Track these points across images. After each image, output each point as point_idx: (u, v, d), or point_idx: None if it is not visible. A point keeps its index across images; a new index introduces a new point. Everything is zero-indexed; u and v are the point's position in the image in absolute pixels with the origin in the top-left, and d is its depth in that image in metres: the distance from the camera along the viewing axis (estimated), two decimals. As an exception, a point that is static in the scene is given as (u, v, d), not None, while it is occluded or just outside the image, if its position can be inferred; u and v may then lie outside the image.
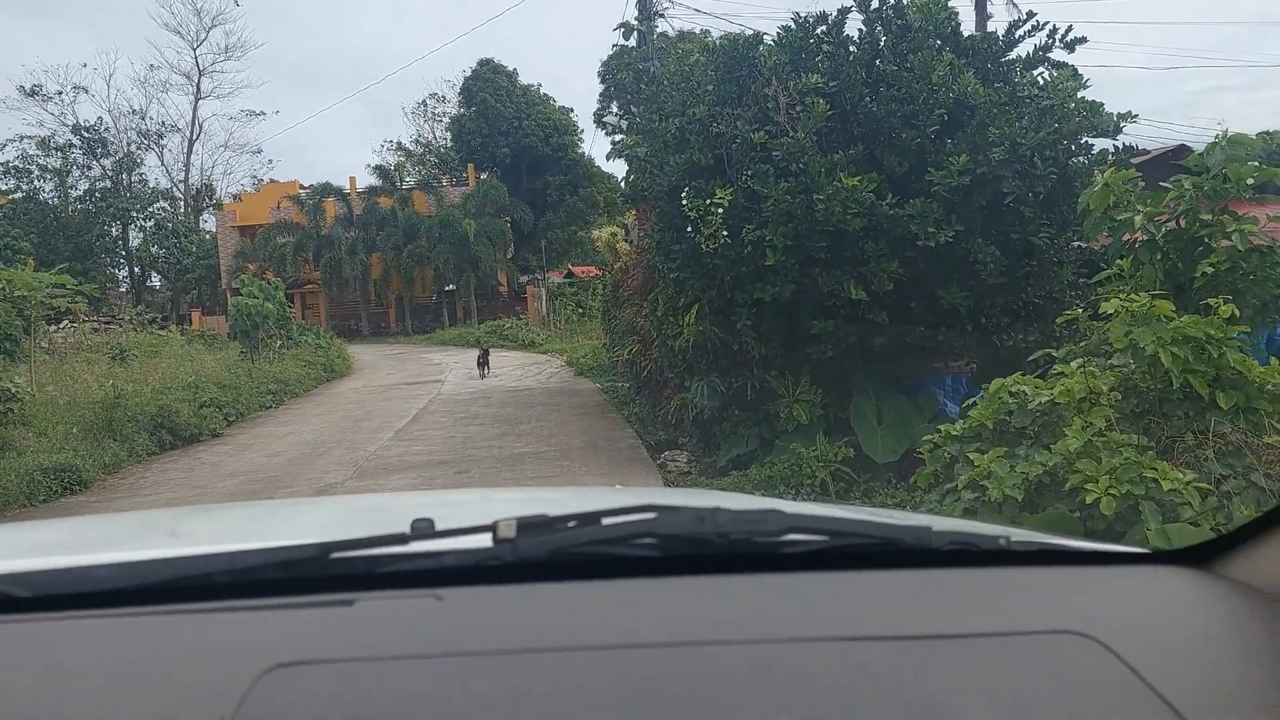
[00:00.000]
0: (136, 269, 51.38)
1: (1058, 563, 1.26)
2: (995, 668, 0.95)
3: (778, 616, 1.05)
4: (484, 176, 44.23)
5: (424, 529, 1.11)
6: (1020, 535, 1.29)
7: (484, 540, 1.08)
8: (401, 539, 1.09)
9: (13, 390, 11.66)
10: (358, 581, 1.08)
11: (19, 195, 46.58)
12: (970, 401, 4.86)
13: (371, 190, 43.77)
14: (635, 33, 12.24)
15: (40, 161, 48.49)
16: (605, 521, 1.11)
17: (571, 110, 48.22)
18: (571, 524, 1.10)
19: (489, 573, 1.09)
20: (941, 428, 4.76)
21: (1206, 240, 5.45)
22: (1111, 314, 4.48)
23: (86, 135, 49.22)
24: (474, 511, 1.77)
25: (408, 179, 50.22)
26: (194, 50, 54.16)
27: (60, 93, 49.45)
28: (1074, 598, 1.14)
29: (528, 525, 1.08)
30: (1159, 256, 5.55)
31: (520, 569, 1.08)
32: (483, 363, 21.07)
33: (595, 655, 0.96)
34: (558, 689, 0.90)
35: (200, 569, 1.08)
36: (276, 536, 1.35)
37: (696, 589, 1.10)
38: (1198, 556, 1.26)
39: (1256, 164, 5.46)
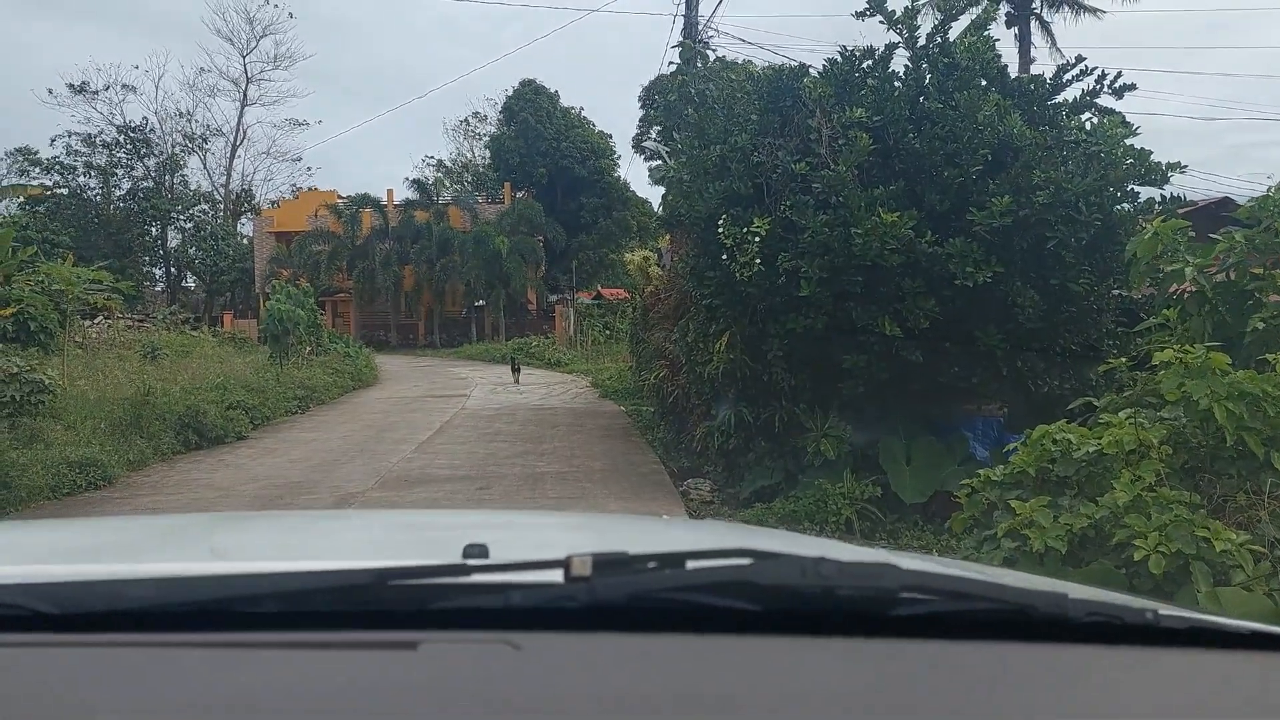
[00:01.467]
0: (173, 269, 52.05)
1: (1213, 645, 1.09)
2: None
3: (889, 692, 0.92)
4: (520, 195, 44.55)
5: (485, 557, 1.01)
6: (1170, 611, 1.11)
7: (554, 575, 0.96)
8: (463, 569, 0.99)
9: (45, 382, 11.76)
10: (418, 618, 0.96)
11: (63, 191, 47.38)
12: (1011, 446, 4.74)
13: (408, 203, 44.19)
14: (692, 54, 12.21)
15: (86, 158, 49.35)
16: (693, 565, 0.98)
17: (610, 135, 48.57)
18: (653, 565, 0.98)
19: (559, 616, 0.96)
20: (981, 472, 4.63)
21: (1256, 294, 5.33)
22: (1159, 365, 4.36)
23: (132, 135, 50.06)
24: (528, 538, 1.65)
25: (444, 195, 50.66)
26: (243, 58, 55.05)
27: (108, 88, 50.27)
28: (1243, 687, 1.01)
29: (605, 563, 0.95)
30: (1208, 309, 5.43)
31: (591, 614, 0.95)
32: (516, 369, 25.05)
33: None
34: None
35: (245, 590, 0.95)
36: (323, 555, 1.25)
37: (794, 652, 0.97)
38: None
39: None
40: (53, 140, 48.62)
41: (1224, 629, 1.12)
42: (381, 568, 0.98)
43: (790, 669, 0.95)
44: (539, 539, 1.47)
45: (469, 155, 58.53)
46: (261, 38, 59.86)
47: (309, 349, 22.34)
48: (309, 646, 0.94)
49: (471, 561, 1.01)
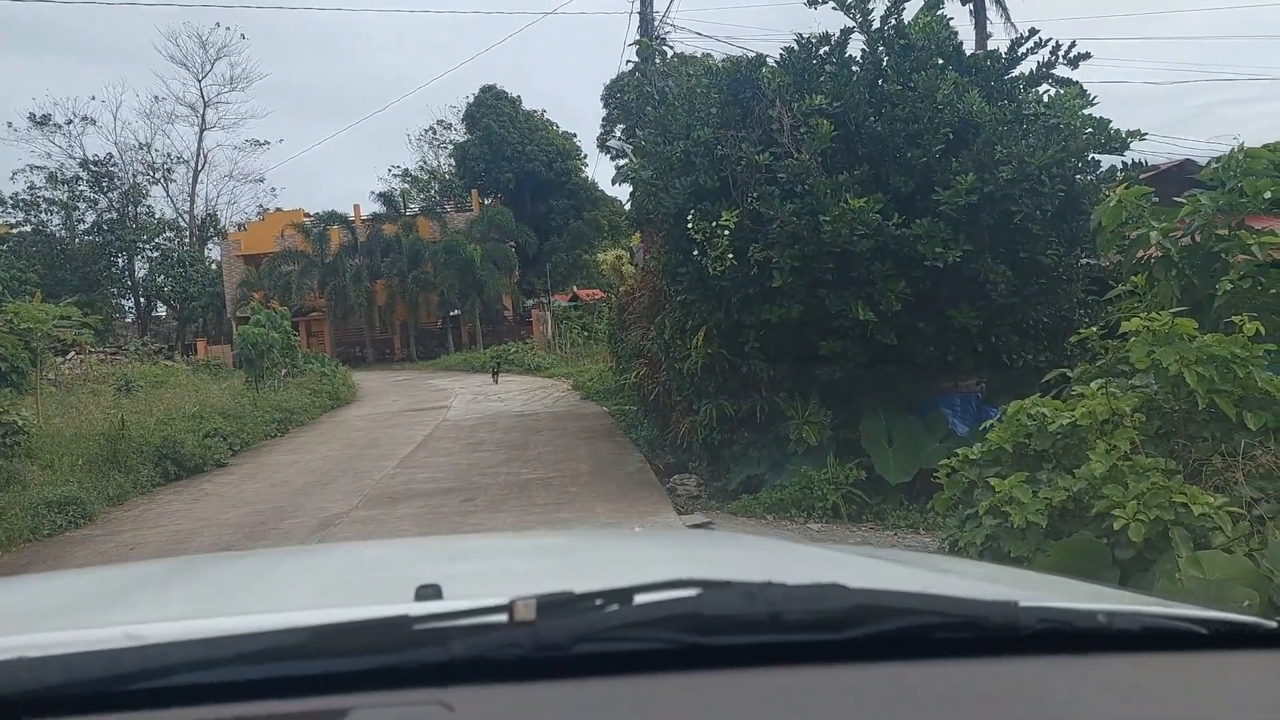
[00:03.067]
0: (142, 299, 51.54)
1: (1170, 646, 1.07)
2: None
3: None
4: (488, 201, 44.41)
5: (432, 594, 0.97)
6: (1120, 609, 1.10)
7: (499, 618, 0.93)
8: (403, 621, 0.94)
9: (19, 423, 11.60)
10: (349, 680, 0.90)
11: (26, 228, 46.83)
12: (988, 424, 4.75)
13: (376, 217, 43.91)
14: (649, 51, 12.15)
15: (47, 194, 48.80)
16: (639, 600, 0.96)
17: (575, 135, 48.47)
18: (599, 601, 0.96)
19: (502, 667, 0.93)
20: (959, 451, 4.65)
21: (1224, 256, 5.37)
22: (1129, 333, 4.39)
23: (94, 169, 49.54)
24: (484, 569, 1.59)
25: (412, 205, 50.40)
26: (199, 82, 54.49)
27: (69, 122, 49.70)
28: (1210, 693, 0.98)
29: (549, 605, 0.93)
30: (1175, 273, 5.46)
31: (538, 660, 0.93)
32: (495, 372, 26.78)
33: None
34: None
35: (158, 661, 0.88)
36: (258, 607, 1.19)
37: (745, 687, 0.95)
38: None
39: (1273, 178, 5.38)
40: (13, 175, 48.08)
41: (1177, 625, 1.10)
42: (315, 625, 0.94)
43: (740, 702, 0.93)
44: (496, 569, 1.44)
45: (435, 164, 58.27)
46: (216, 60, 59.39)
47: (285, 371, 22.15)
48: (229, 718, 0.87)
49: (413, 612, 0.97)
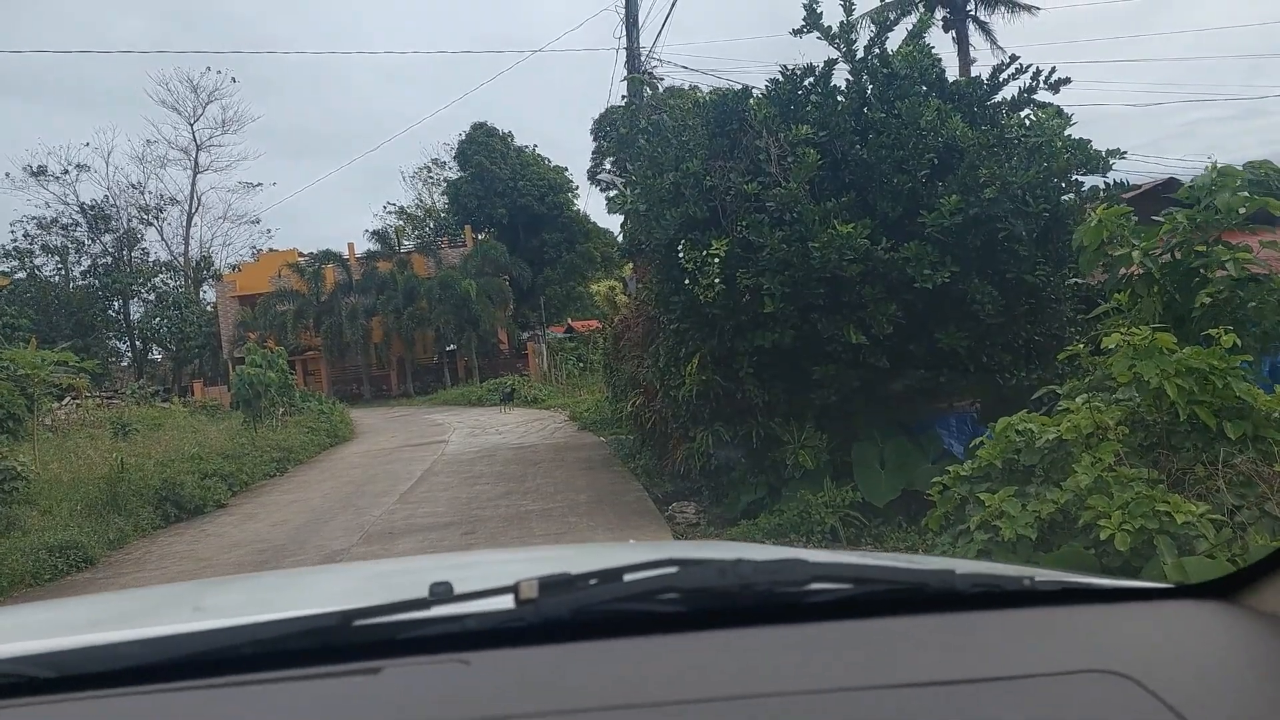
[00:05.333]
0: (138, 342, 51.60)
1: (1083, 601, 1.26)
2: (1034, 710, 0.95)
3: (807, 667, 1.04)
4: (482, 236, 44.67)
5: (443, 593, 1.11)
6: (1044, 575, 1.28)
7: (506, 602, 1.08)
8: (423, 604, 1.09)
9: (17, 469, 11.64)
10: (382, 648, 1.08)
11: (20, 275, 46.98)
12: (977, 441, 4.84)
13: (370, 255, 44.15)
14: (639, 86, 12.37)
15: (42, 240, 49.03)
16: (627, 578, 1.10)
17: (566, 169, 48.90)
18: (593, 581, 1.10)
19: (513, 635, 1.08)
20: (950, 469, 4.73)
21: (1202, 271, 5.49)
22: (1113, 348, 4.49)
23: (90, 213, 49.82)
24: (492, 573, 1.76)
25: (407, 242, 50.66)
26: (191, 125, 54.95)
27: (66, 172, 50.08)
28: (1104, 636, 1.14)
29: (549, 585, 1.08)
30: (1156, 289, 5.58)
31: (544, 629, 1.08)
32: (503, 401, 28.48)
33: (624, 715, 0.95)
34: None
35: (225, 642, 1.07)
36: (297, 606, 1.34)
37: (723, 643, 1.10)
38: (1221, 589, 1.27)
39: (1247, 194, 5.52)
40: (12, 225, 48.35)
41: (1093, 588, 1.30)
42: (347, 610, 1.08)
43: (716, 656, 1.07)
44: (504, 572, 1.58)
45: (430, 201, 58.63)
46: (208, 104, 59.85)
47: (282, 410, 22.20)
48: (285, 681, 1.05)
49: (428, 597, 1.11)
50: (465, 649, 1.07)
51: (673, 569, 1.12)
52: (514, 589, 1.07)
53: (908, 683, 0.99)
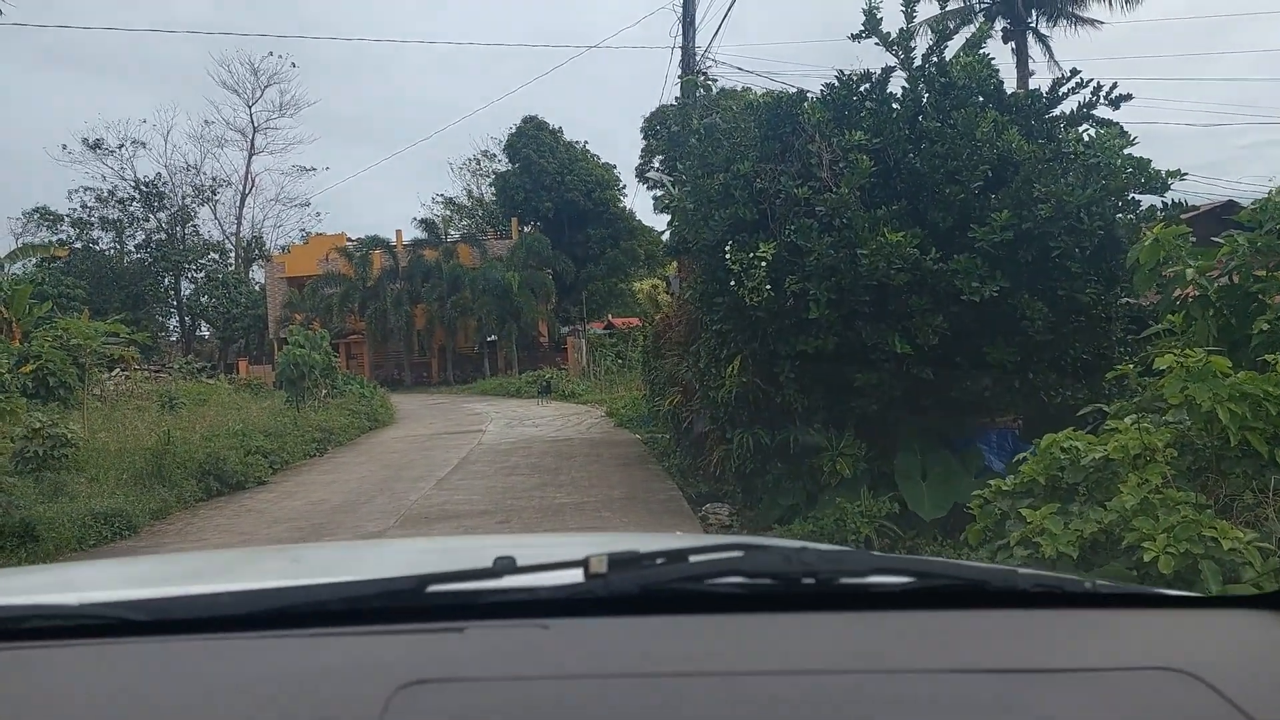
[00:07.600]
0: (187, 318, 52.61)
1: (1144, 605, 1.27)
2: (1100, 702, 0.96)
3: (872, 650, 1.07)
4: (527, 229, 44.92)
5: (507, 565, 1.15)
6: (1105, 582, 1.30)
7: (575, 575, 1.13)
8: (494, 573, 1.14)
9: (68, 436, 11.94)
10: (458, 612, 1.13)
11: (78, 246, 48.08)
12: (1020, 457, 4.80)
13: (417, 243, 44.58)
14: (693, 86, 12.41)
15: (100, 214, 50.11)
16: (694, 559, 1.14)
17: (614, 166, 49.00)
18: (660, 561, 1.14)
19: (583, 605, 1.13)
20: (992, 482, 4.69)
21: (1261, 297, 5.38)
22: (1164, 370, 4.42)
23: (145, 190, 50.85)
24: (548, 554, 1.80)
25: (453, 232, 51.11)
26: (249, 108, 55.99)
27: (121, 146, 51.12)
28: (1171, 637, 1.16)
29: (619, 561, 1.12)
30: (1211, 312, 5.48)
31: (611, 603, 1.13)
32: (542, 393, 28.90)
33: (691, 681, 1.00)
34: (658, 712, 0.95)
35: (317, 597, 1.14)
36: (371, 571, 1.40)
37: (787, 624, 1.13)
38: None
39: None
40: (70, 194, 49.44)
41: (1154, 595, 1.33)
42: (424, 574, 1.14)
43: (780, 636, 1.10)
44: (562, 552, 1.63)
45: (478, 192, 59.05)
46: (266, 87, 60.87)
47: (325, 392, 22.51)
48: (376, 634, 1.12)
49: (493, 568, 1.16)
50: (539, 616, 1.12)
51: (738, 553, 1.15)
52: (584, 563, 1.12)
53: (973, 668, 1.01)
